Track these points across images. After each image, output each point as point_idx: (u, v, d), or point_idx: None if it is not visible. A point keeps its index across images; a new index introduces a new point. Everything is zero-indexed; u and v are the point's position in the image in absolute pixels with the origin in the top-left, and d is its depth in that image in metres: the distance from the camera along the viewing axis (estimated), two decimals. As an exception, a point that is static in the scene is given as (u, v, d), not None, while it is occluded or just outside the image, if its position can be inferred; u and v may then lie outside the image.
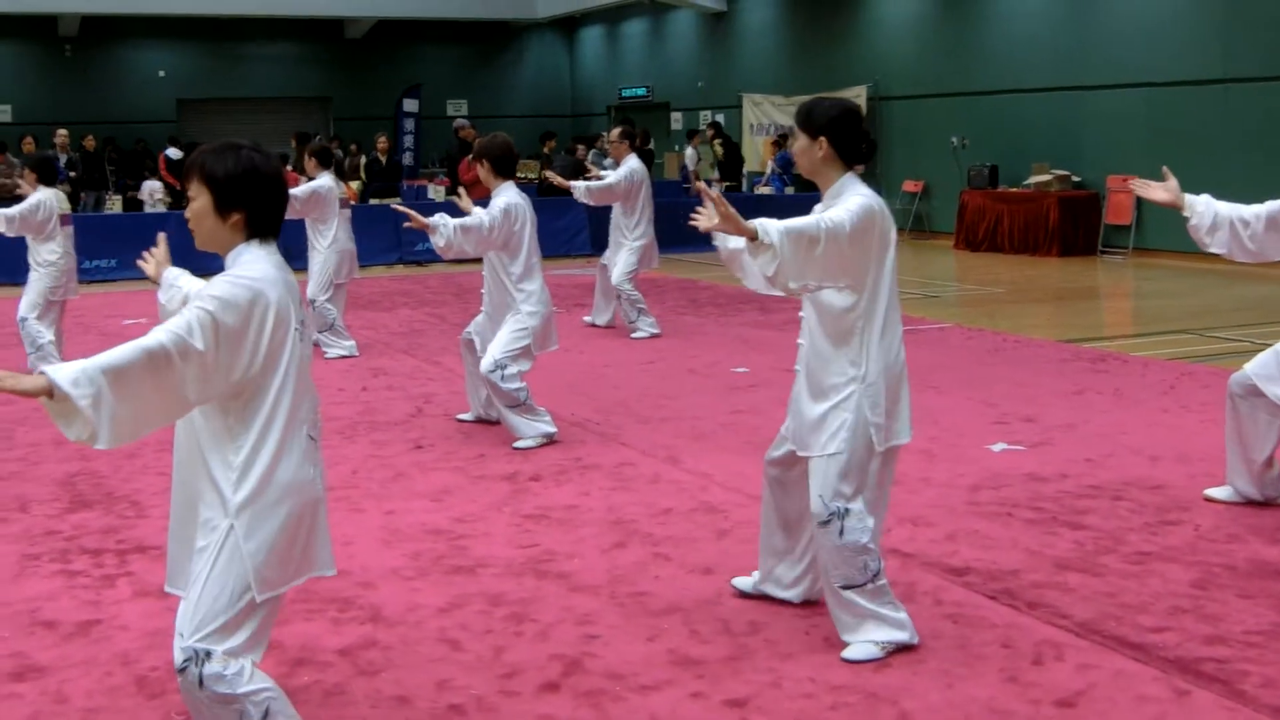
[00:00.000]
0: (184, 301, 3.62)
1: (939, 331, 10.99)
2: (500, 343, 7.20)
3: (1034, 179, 18.22)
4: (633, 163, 11.18)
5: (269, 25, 27.80)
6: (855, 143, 4.24)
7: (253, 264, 3.23)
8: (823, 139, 4.21)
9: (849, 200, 4.15)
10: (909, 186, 20.98)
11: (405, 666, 4.23)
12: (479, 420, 7.81)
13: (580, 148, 21.76)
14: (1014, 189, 18.55)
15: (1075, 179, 17.98)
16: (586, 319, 11.81)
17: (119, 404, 2.95)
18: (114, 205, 18.90)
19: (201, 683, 3.16)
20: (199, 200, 3.24)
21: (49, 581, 5.13)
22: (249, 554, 3.19)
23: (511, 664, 4.23)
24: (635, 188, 11.12)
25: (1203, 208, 5.66)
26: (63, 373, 2.90)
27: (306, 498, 3.29)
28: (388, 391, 8.92)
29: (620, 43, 29.98)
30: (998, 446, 7.02)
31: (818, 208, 4.27)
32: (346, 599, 4.83)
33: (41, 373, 2.90)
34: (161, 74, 28.22)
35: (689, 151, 22.91)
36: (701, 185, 4.06)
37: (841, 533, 4.17)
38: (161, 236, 3.97)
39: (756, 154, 23.88)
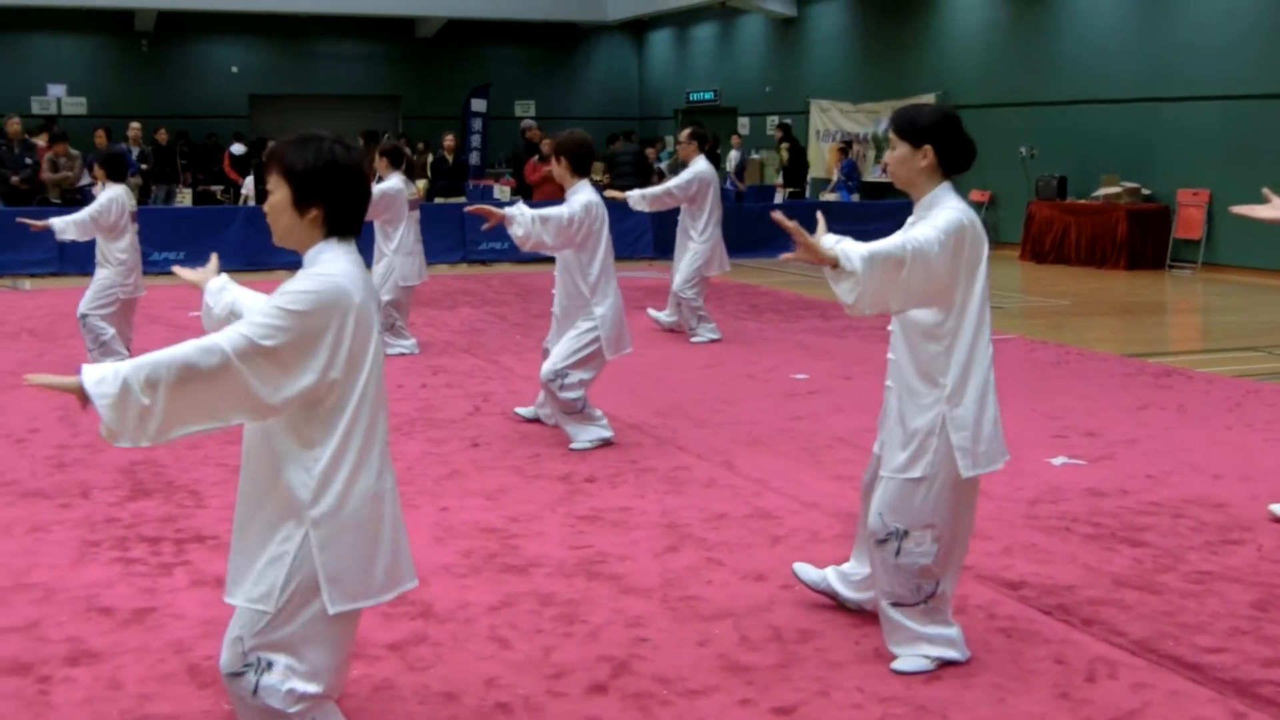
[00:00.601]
0: (229, 309, 3.56)
1: (1002, 343, 10.88)
2: (563, 350, 7.16)
3: (1103, 191, 18.02)
4: (700, 164, 11.14)
5: (340, 23, 28.02)
6: (959, 151, 4.13)
7: (333, 262, 3.12)
8: (928, 147, 4.09)
9: (939, 215, 4.03)
10: (976, 196, 20.78)
11: (454, 663, 4.24)
12: (536, 419, 7.81)
13: (649, 150, 21.93)
14: (1082, 200, 18.36)
15: (1145, 192, 17.76)
16: (653, 312, 11.74)
17: (153, 402, 2.90)
18: (184, 199, 19.13)
19: (256, 691, 3.11)
20: (278, 193, 3.13)
21: (107, 569, 5.19)
22: (323, 564, 3.10)
23: (560, 664, 4.23)
24: (704, 189, 11.07)
25: None
26: (92, 371, 2.92)
27: (389, 509, 3.22)
28: (446, 389, 8.96)
29: (689, 46, 29.95)
30: (1058, 460, 6.94)
31: (910, 219, 4.19)
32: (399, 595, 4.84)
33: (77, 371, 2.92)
34: (234, 70, 28.52)
35: (732, 154, 22.80)
36: (779, 216, 3.93)
37: (898, 553, 4.12)
38: (214, 256, 3.93)
39: (823, 160, 23.79)
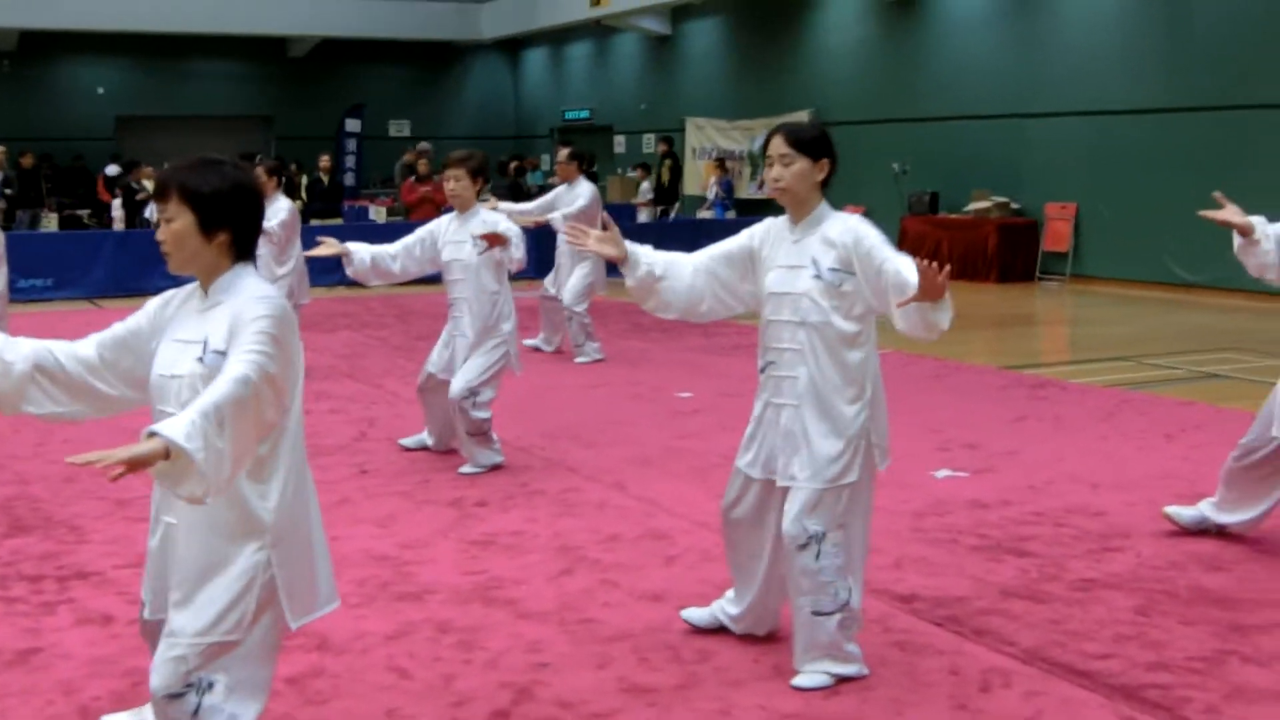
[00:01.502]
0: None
1: (881, 357, 11.04)
2: (475, 367, 7.12)
3: (974, 205, 18.40)
4: (586, 184, 11.22)
5: (210, 42, 27.61)
6: (836, 164, 4.28)
7: (259, 285, 3.13)
8: (825, 160, 4.22)
9: (864, 229, 4.19)
10: (850, 210, 21.07)
11: (353, 695, 4.20)
12: (423, 447, 7.74)
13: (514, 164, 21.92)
14: (954, 215, 18.73)
15: (1014, 206, 18.18)
16: (529, 342, 11.74)
17: (224, 446, 2.81)
18: (50, 223, 18.69)
19: (197, 713, 3.05)
20: (179, 221, 3.08)
21: (-13, 608, 5.05)
22: (284, 582, 3.13)
23: (461, 692, 4.21)
24: (596, 208, 11.11)
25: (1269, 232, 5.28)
26: (175, 428, 2.72)
27: (319, 524, 3.29)
28: (331, 415, 8.85)
29: (564, 65, 30.03)
30: (941, 473, 7.07)
31: (761, 229, 4.37)
32: (292, 626, 4.78)
33: (151, 433, 2.73)
34: (100, 90, 27.95)
35: (645, 185, 22.64)
36: (923, 264, 3.88)
37: (818, 556, 4.15)
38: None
39: (699, 177, 23.97)
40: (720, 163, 22.32)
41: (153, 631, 3.31)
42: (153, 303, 3.30)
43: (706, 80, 25.00)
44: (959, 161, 19.09)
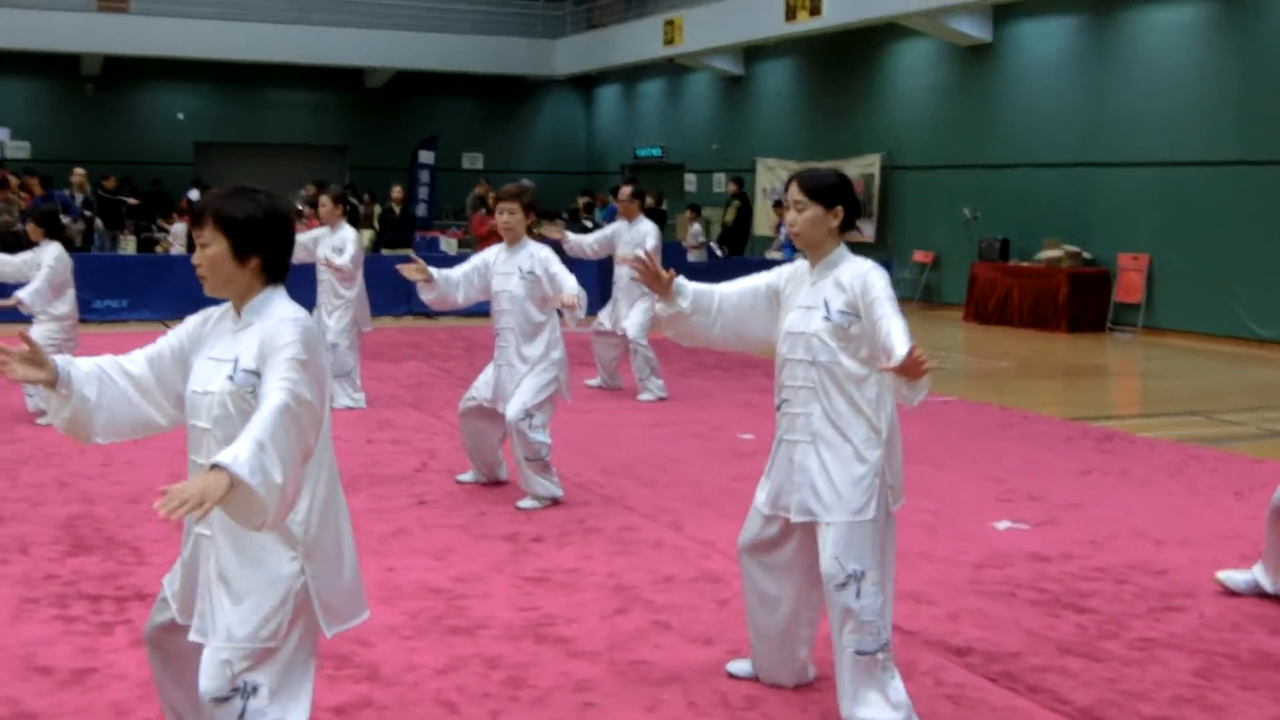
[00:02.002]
0: None
1: (942, 404, 10.97)
2: (528, 389, 7.17)
3: (1045, 254, 18.26)
4: (648, 223, 11.28)
5: (289, 72, 28.01)
6: (856, 212, 4.36)
7: (288, 306, 3.25)
8: (840, 208, 4.28)
9: (873, 278, 4.21)
10: (919, 257, 21.04)
11: (400, 728, 4.20)
12: (478, 482, 7.77)
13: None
14: (1025, 263, 18.59)
15: (1086, 255, 18.02)
16: (591, 383, 11.77)
17: (278, 476, 2.89)
18: (128, 246, 18.98)
19: (243, 716, 3.14)
20: (214, 246, 3.20)
21: (46, 626, 5.11)
22: (317, 592, 3.23)
23: (507, 730, 4.20)
24: (659, 247, 11.27)
25: None
26: (239, 463, 2.81)
27: (350, 535, 3.36)
28: (392, 445, 8.91)
29: (636, 102, 30.17)
30: (1002, 524, 6.99)
31: (790, 270, 4.43)
32: (343, 656, 4.80)
33: (216, 466, 2.81)
34: (180, 116, 28.42)
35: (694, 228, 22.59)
36: (915, 351, 3.90)
37: (859, 595, 4.14)
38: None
39: (768, 219, 23.96)
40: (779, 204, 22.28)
41: (164, 634, 3.44)
42: (192, 319, 3.41)
43: (778, 121, 25.03)
44: (1030, 209, 18.96)
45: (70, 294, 9.67)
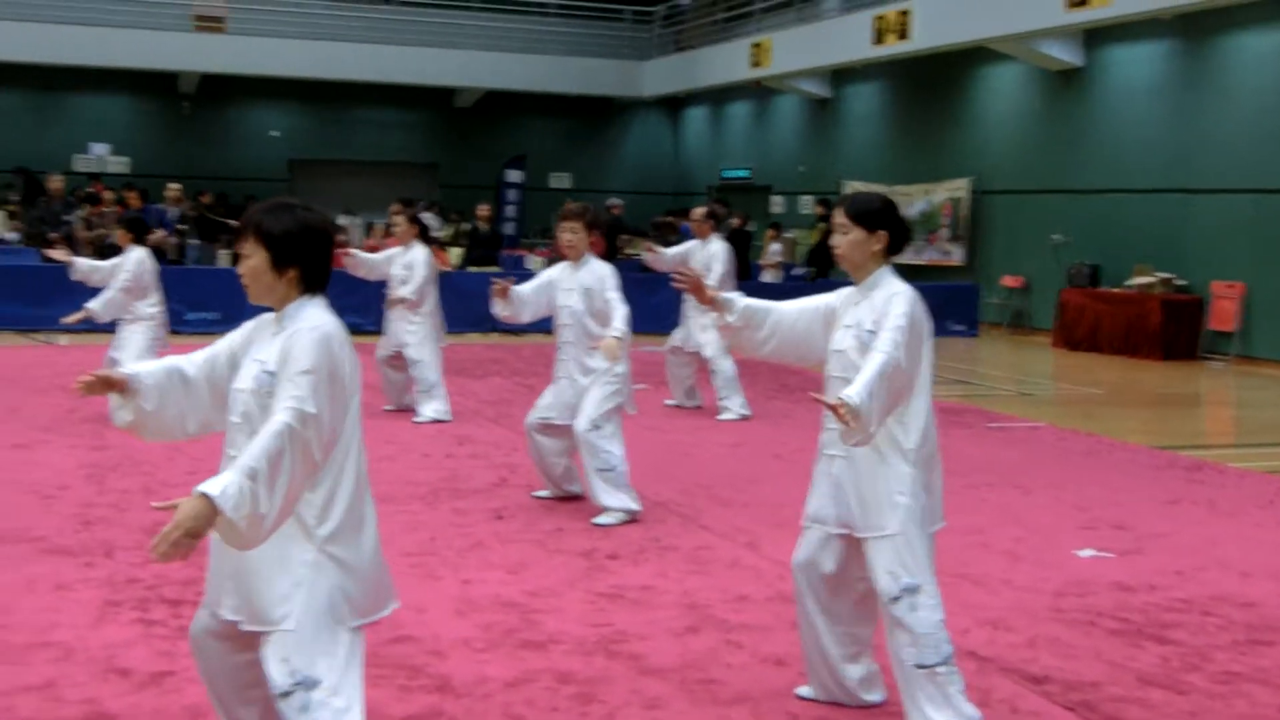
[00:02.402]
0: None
1: (1030, 430, 10.83)
2: (594, 401, 7.25)
3: (1136, 280, 17.99)
4: (719, 243, 11.38)
5: (380, 91, 28.33)
6: (903, 235, 4.42)
7: (318, 314, 3.39)
8: (883, 232, 4.36)
9: (893, 305, 4.24)
10: (1008, 282, 20.81)
11: (469, 740, 4.21)
12: (554, 497, 7.80)
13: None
14: (1115, 289, 18.32)
15: (1179, 282, 17.72)
16: (669, 403, 11.78)
17: (265, 506, 3.08)
18: (222, 260, 19.26)
19: (307, 708, 3.23)
20: (255, 258, 3.38)
21: (127, 629, 5.19)
22: (340, 582, 3.32)
23: (576, 745, 4.19)
24: (732, 268, 11.32)
25: None
26: (225, 497, 3.02)
27: (373, 531, 3.45)
28: (472, 460, 8.95)
29: (724, 124, 30.17)
30: (1085, 552, 6.88)
31: (843, 297, 4.45)
32: (415, 667, 4.82)
33: (204, 494, 3.02)
34: (275, 134, 28.86)
35: (774, 247, 22.55)
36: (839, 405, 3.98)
37: (914, 608, 4.14)
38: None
39: (855, 241, 23.82)
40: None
41: (205, 630, 3.52)
42: (248, 324, 3.60)
43: (865, 144, 24.92)
44: (1121, 234, 18.70)
45: (156, 297, 10.08)
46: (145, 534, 6.61)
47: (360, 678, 3.36)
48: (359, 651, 3.38)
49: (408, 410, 10.71)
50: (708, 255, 11.26)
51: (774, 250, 21.83)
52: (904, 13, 20.67)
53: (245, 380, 3.40)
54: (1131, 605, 5.95)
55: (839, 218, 4.39)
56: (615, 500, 7.21)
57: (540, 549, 6.65)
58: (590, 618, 5.53)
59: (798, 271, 21.44)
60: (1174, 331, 17.35)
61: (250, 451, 3.11)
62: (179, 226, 19.47)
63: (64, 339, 15.59)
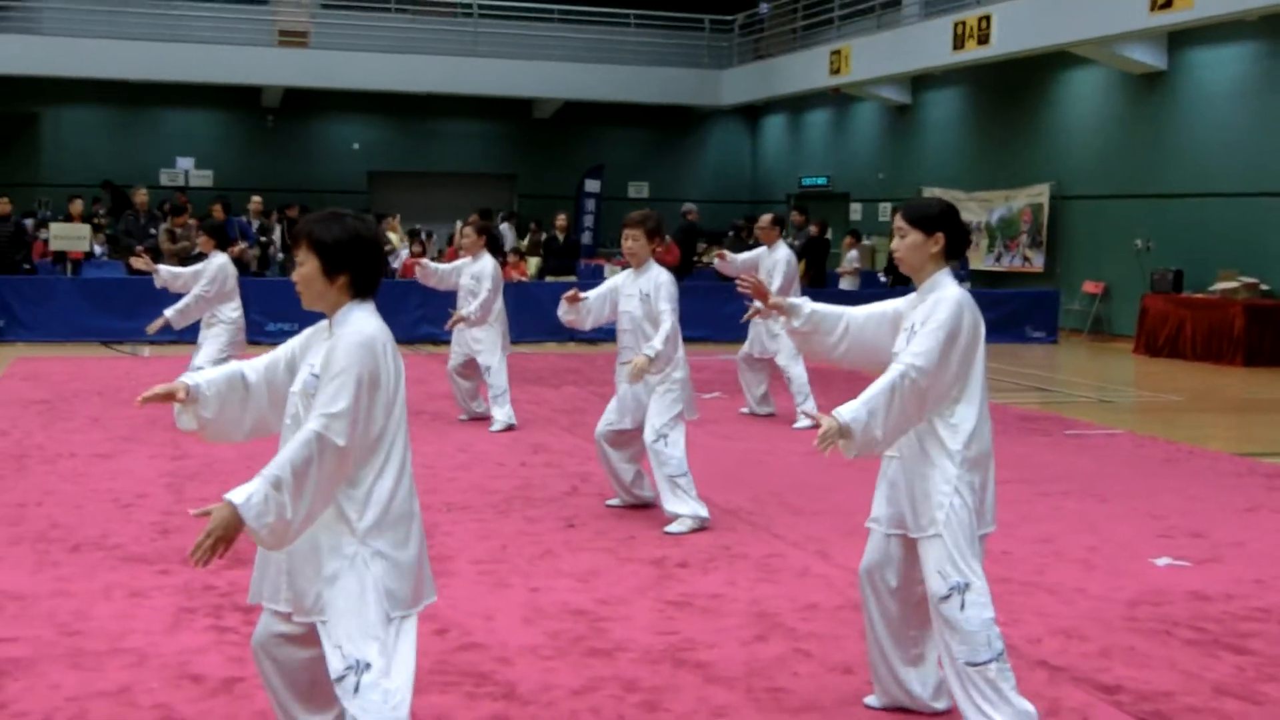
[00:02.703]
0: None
1: (1108, 438, 10.69)
2: (657, 411, 7.33)
3: (1220, 285, 17.70)
4: (784, 249, 11.39)
5: (459, 103, 28.57)
6: (961, 239, 4.44)
7: (363, 319, 3.49)
8: (940, 235, 4.38)
9: (940, 309, 4.25)
10: (1089, 288, 20.57)
11: (534, 746, 4.23)
12: (627, 505, 7.83)
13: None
14: (1199, 295, 18.04)
15: (1264, 287, 17.41)
16: (744, 410, 11.79)
17: (290, 513, 3.25)
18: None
19: (358, 690, 3.34)
20: (307, 265, 3.51)
21: (201, 636, 5.28)
22: (380, 575, 3.42)
23: (639, 752, 4.20)
24: (794, 273, 11.33)
25: None
26: (249, 506, 3.22)
27: (418, 528, 3.54)
28: (545, 468, 9.00)
29: (802, 131, 30.08)
30: (1161, 561, 6.78)
31: (908, 300, 4.47)
32: (483, 674, 4.86)
33: (229, 503, 3.24)
34: (355, 146, 29.20)
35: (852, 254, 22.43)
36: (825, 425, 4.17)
37: (963, 606, 4.14)
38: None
39: (934, 248, 23.67)
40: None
41: (266, 633, 3.65)
42: (306, 330, 3.72)
43: (945, 150, 24.74)
44: (1205, 240, 18.42)
45: (236, 302, 10.38)
46: (222, 541, 6.72)
47: (412, 661, 3.46)
48: (410, 637, 3.47)
49: (481, 419, 10.80)
50: (773, 261, 11.31)
51: (851, 257, 21.71)
52: (985, 18, 20.51)
53: (297, 384, 3.56)
54: (1208, 614, 5.86)
55: (897, 222, 4.44)
56: (685, 507, 7.23)
57: (611, 557, 6.67)
58: (658, 626, 5.54)
59: (882, 279, 21.30)
60: (1257, 337, 17.04)
61: (278, 460, 3.27)
62: (261, 239, 19.75)
63: (147, 350, 15.90)
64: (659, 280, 7.47)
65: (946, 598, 4.16)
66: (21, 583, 5.98)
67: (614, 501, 7.88)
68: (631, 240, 7.55)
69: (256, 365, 3.73)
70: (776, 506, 7.93)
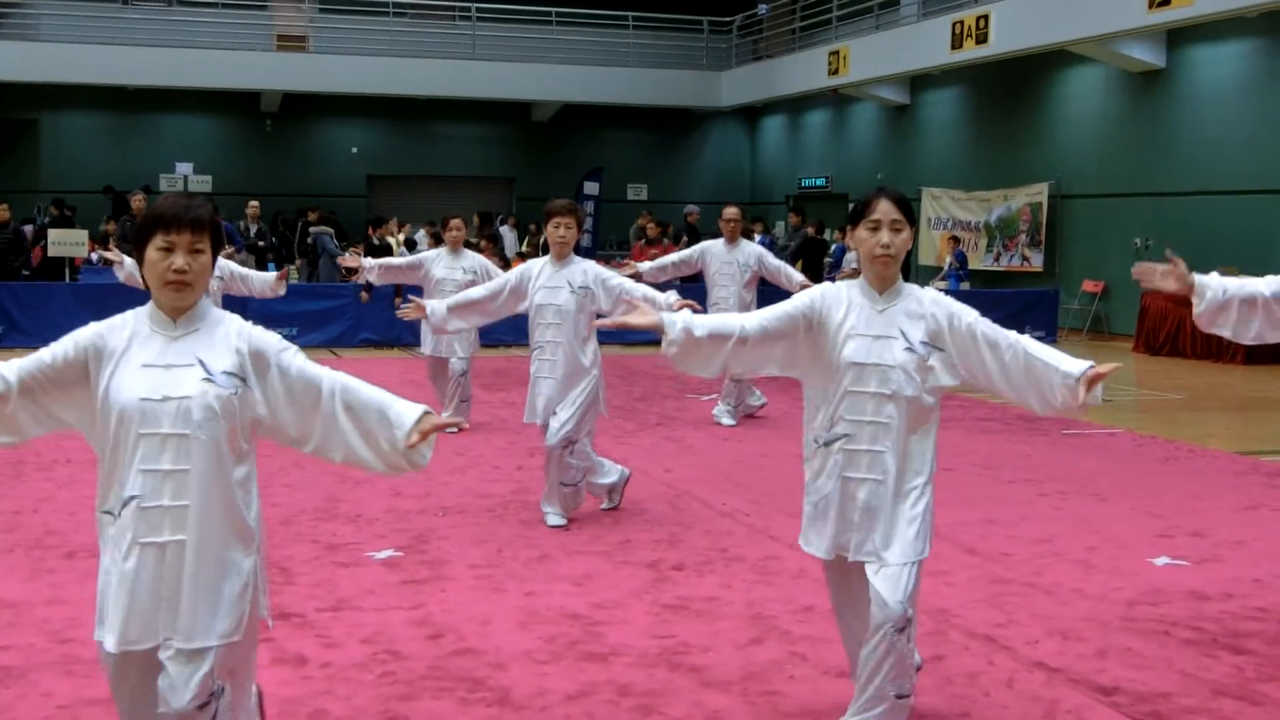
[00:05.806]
0: None
1: (1108, 437, 10.66)
2: (566, 417, 7.33)
3: (1220, 283, 17.64)
4: (750, 246, 11.77)
5: (458, 106, 28.57)
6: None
7: (221, 311, 3.46)
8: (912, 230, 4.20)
9: (954, 305, 4.16)
10: (1089, 286, 20.54)
11: (527, 752, 4.21)
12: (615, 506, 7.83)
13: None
14: (1199, 293, 17.96)
15: (1264, 285, 17.36)
16: (717, 413, 11.67)
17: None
18: (294, 275, 19.51)
19: (215, 717, 3.26)
20: (208, 253, 3.30)
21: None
22: (262, 585, 3.44)
23: (633, 757, 4.17)
24: (752, 278, 11.58)
25: (1214, 287, 5.01)
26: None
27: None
28: (541, 472, 8.94)
29: (801, 132, 30.06)
30: (1160, 560, 6.75)
31: (821, 294, 4.29)
32: (477, 679, 4.83)
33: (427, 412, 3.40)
34: (354, 150, 29.21)
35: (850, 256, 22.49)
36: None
37: (909, 638, 4.08)
38: None
39: (934, 248, 23.68)
40: (955, 237, 21.97)
41: (140, 662, 3.29)
42: (85, 335, 3.31)
43: (944, 150, 24.72)
44: (1205, 238, 18.37)
45: (219, 303, 10.17)
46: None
47: (254, 656, 3.57)
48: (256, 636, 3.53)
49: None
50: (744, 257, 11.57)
51: (849, 258, 21.69)
52: (983, 17, 20.49)
53: (180, 387, 3.28)
54: (1206, 614, 5.84)
55: (893, 214, 4.06)
56: (606, 477, 7.65)
57: (606, 560, 6.65)
58: (654, 629, 5.51)
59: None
60: (1259, 335, 16.96)
61: (378, 393, 3.41)
62: (259, 243, 19.75)
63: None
64: (598, 271, 7.41)
65: (903, 629, 4.09)
66: (15, 590, 5.96)
67: (608, 505, 7.85)
68: (564, 229, 7.36)
69: (9, 368, 3.28)
70: (774, 509, 7.90)
